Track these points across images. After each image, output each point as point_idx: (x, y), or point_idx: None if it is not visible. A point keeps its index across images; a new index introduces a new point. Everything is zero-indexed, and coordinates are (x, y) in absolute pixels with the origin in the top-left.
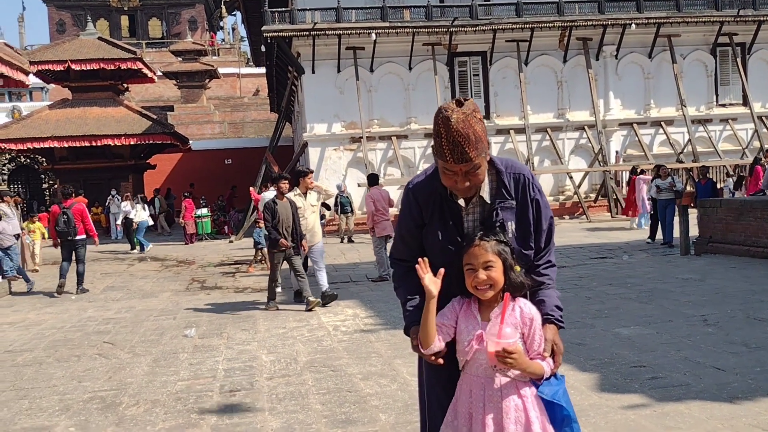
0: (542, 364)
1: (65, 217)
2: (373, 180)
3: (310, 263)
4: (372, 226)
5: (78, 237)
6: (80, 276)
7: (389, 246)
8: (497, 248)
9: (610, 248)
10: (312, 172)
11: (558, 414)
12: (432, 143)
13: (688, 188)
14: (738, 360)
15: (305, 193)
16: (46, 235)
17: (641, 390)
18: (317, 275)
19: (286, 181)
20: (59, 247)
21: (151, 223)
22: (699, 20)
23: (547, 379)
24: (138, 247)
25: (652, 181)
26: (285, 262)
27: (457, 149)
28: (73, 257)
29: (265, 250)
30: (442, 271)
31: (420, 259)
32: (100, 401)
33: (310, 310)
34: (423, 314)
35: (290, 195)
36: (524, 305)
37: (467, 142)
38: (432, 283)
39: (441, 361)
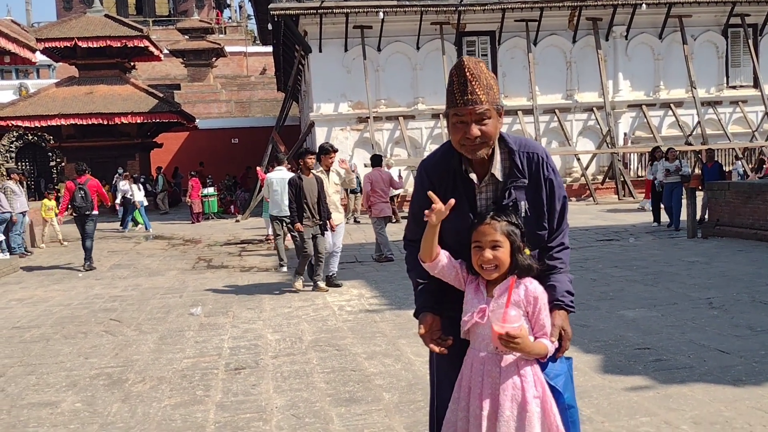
0: (546, 343)
1: (82, 192)
2: (376, 161)
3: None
4: (369, 206)
5: (93, 212)
6: (88, 251)
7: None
8: (507, 229)
9: (617, 230)
10: (336, 151)
11: (557, 398)
12: (440, 122)
13: (697, 170)
14: (742, 343)
15: (327, 171)
16: (56, 210)
17: (645, 372)
18: (331, 258)
19: (312, 156)
20: (76, 223)
21: (146, 203)
22: (711, 0)
23: (553, 359)
24: (139, 226)
25: (651, 163)
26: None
27: (467, 88)
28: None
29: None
30: (452, 201)
31: (429, 192)
32: (106, 378)
33: (314, 289)
34: (426, 231)
35: (313, 171)
36: (530, 284)
37: (477, 81)
38: (436, 213)
39: (446, 351)
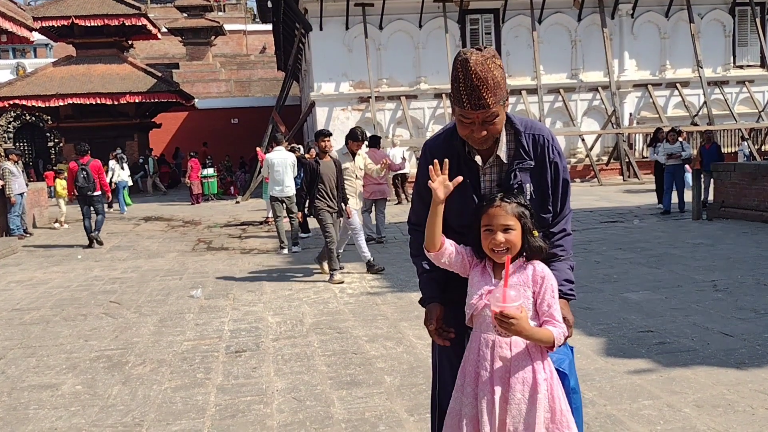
0: (552, 331)
1: (84, 173)
2: (373, 142)
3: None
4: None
5: (95, 193)
6: (98, 224)
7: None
8: (517, 211)
9: (621, 212)
10: (365, 140)
11: (562, 380)
12: (449, 93)
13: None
14: (746, 326)
15: (353, 156)
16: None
17: (648, 355)
18: (357, 240)
19: (328, 139)
20: (79, 203)
21: (130, 183)
22: None
23: (559, 345)
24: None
25: (650, 145)
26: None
27: (474, 94)
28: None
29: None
30: (459, 179)
31: (435, 161)
32: (106, 360)
33: (331, 280)
34: (429, 217)
35: (333, 154)
36: (537, 264)
37: (485, 86)
38: (441, 185)
39: (449, 343)
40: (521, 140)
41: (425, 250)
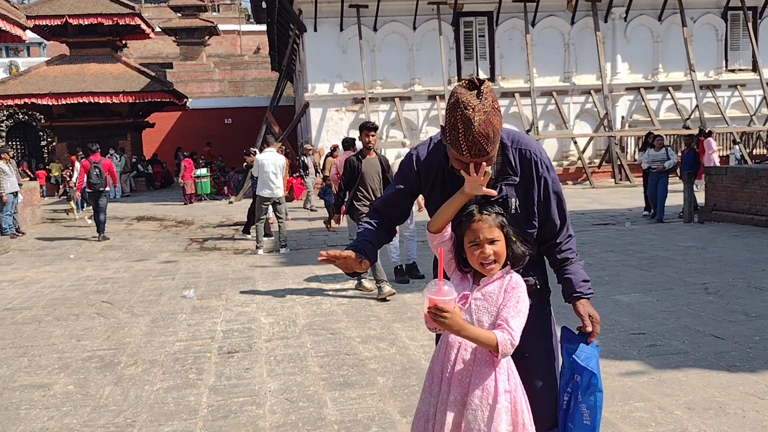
0: (496, 334)
1: (97, 170)
2: (347, 144)
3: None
4: (336, 193)
5: (105, 189)
6: (101, 224)
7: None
8: (498, 221)
9: (613, 215)
10: None
11: (586, 380)
12: (443, 95)
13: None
14: (737, 329)
15: None
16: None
17: (639, 357)
18: (408, 243)
19: (374, 133)
20: (90, 197)
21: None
22: None
23: (585, 342)
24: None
25: (641, 149)
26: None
27: (475, 147)
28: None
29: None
30: (493, 192)
31: (484, 164)
32: (98, 360)
33: (382, 299)
34: (448, 203)
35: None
36: (514, 275)
37: (486, 140)
38: (476, 185)
39: (324, 257)
40: (508, 155)
41: (427, 230)
